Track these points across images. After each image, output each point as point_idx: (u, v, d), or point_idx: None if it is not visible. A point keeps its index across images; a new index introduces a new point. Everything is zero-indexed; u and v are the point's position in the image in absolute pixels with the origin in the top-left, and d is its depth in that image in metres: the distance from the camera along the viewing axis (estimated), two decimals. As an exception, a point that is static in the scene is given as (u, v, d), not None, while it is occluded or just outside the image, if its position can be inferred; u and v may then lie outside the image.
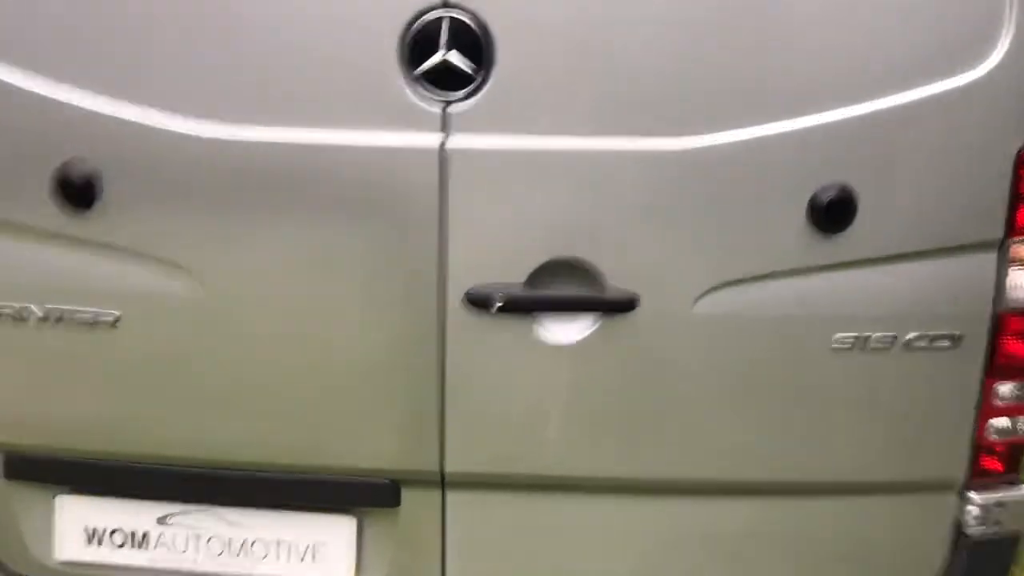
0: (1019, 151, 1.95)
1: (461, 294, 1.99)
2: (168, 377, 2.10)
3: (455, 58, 1.93)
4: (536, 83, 1.93)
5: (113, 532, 2.24)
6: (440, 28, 1.92)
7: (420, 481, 2.12)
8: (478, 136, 1.94)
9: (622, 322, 1.99)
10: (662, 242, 1.97)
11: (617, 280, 1.97)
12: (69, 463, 2.19)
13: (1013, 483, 2.15)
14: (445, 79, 1.93)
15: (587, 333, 2.00)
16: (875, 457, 2.08)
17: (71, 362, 2.11)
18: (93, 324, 2.07)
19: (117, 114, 1.97)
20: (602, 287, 1.98)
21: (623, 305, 1.98)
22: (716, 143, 1.92)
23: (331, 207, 1.98)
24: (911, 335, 1.99)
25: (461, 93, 1.94)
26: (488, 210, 1.97)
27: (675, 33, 1.91)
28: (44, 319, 2.08)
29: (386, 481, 2.13)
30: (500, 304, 1.97)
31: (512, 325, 2.00)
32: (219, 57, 1.95)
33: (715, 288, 1.97)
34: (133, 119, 1.97)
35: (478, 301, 1.98)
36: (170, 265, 2.03)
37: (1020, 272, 2.00)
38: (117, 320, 2.07)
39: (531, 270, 1.98)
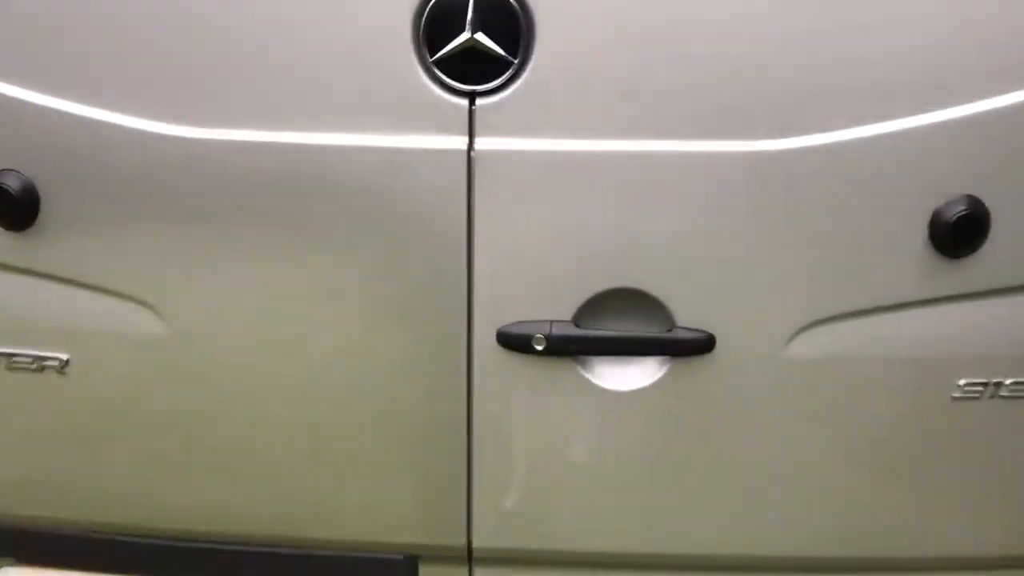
0: None
1: (492, 332, 1.61)
2: (130, 432, 1.73)
3: (485, 40, 1.53)
4: (586, 71, 1.54)
5: (67, 612, 1.89)
6: (467, 3, 1.53)
7: (442, 557, 1.75)
8: (513, 137, 1.56)
9: (694, 367, 1.61)
10: (745, 269, 1.58)
11: (688, 316, 1.59)
12: (14, 531, 1.84)
13: None
14: (472, 67, 1.55)
15: (649, 382, 1.62)
16: (1009, 528, 1.70)
17: (11, 414, 1.75)
18: (37, 370, 1.71)
19: (58, 111, 1.60)
20: (669, 324, 1.60)
21: (696, 347, 1.60)
22: (813, 145, 1.53)
23: (329, 225, 1.60)
24: (1054, 381, 1.62)
25: (492, 84, 1.55)
26: (526, 229, 1.59)
27: (761, 8, 1.52)
28: (-26, 364, 1.73)
29: (401, 557, 1.76)
30: (543, 346, 1.59)
31: (556, 371, 1.62)
32: (187, 42, 1.57)
33: (811, 325, 1.59)
34: (79, 117, 1.59)
35: (514, 341, 1.61)
36: (128, 298, 1.66)
37: None
38: (65, 365, 1.70)
39: (580, 303, 1.60)
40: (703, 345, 1.60)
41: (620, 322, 1.62)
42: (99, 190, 1.62)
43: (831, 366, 1.61)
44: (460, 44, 1.54)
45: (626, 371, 1.64)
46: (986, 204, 1.54)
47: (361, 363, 1.66)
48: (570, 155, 1.56)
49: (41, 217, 1.63)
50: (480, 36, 1.53)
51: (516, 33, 1.54)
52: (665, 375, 1.62)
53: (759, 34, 1.52)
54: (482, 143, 1.56)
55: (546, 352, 1.60)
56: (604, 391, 1.63)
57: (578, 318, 1.61)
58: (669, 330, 1.61)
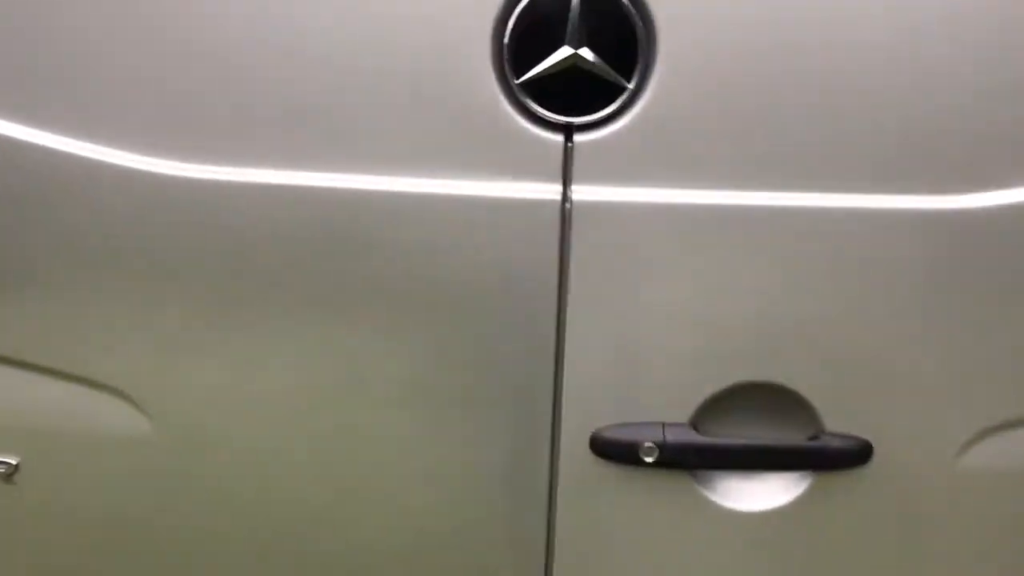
0: None
1: (585, 436, 1.26)
2: (99, 563, 1.35)
3: (590, 56, 1.18)
4: (720, 101, 1.19)
5: None
6: (567, 9, 1.17)
7: None
8: (620, 185, 1.21)
9: (844, 483, 1.27)
10: (914, 358, 1.24)
11: (838, 419, 1.25)
12: None
13: None
14: (571, 92, 1.19)
15: (787, 500, 1.27)
16: None
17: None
18: (-26, 478, 1.33)
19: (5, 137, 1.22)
20: (814, 430, 1.26)
21: (848, 458, 1.25)
22: (1010, 203, 1.20)
23: (376, 293, 1.24)
24: None
25: (596, 115, 1.20)
26: (634, 303, 1.23)
27: (959, 23, 1.19)
28: None
29: None
30: (654, 456, 1.24)
31: (667, 488, 1.27)
32: (193, 57, 1.20)
33: (993, 430, 1.26)
34: (33, 145, 1.22)
35: (614, 449, 1.26)
36: (100, 387, 1.28)
37: None
38: (13, 471, 1.32)
39: (700, 401, 1.25)
40: (856, 456, 1.26)
41: (751, 426, 1.27)
42: (61, 243, 1.24)
43: (1017, 483, 1.28)
44: (557, 63, 1.18)
45: (757, 487, 1.28)
46: None
47: (408, 477, 1.29)
48: (694, 209, 1.20)
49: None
50: (585, 52, 1.18)
51: (631, 49, 1.18)
52: (806, 492, 1.27)
53: (950, 60, 1.19)
54: (581, 191, 1.21)
55: (658, 464, 1.24)
56: (730, 512, 1.27)
57: (697, 420, 1.26)
58: (814, 437, 1.26)
